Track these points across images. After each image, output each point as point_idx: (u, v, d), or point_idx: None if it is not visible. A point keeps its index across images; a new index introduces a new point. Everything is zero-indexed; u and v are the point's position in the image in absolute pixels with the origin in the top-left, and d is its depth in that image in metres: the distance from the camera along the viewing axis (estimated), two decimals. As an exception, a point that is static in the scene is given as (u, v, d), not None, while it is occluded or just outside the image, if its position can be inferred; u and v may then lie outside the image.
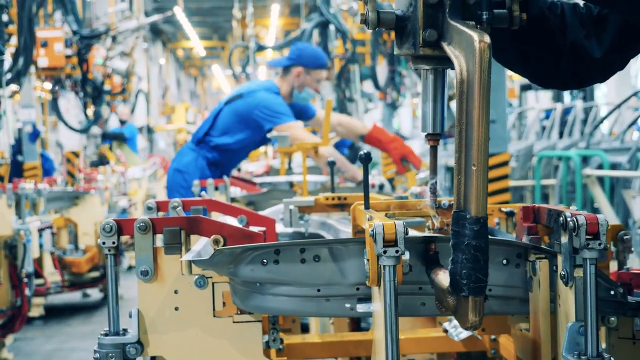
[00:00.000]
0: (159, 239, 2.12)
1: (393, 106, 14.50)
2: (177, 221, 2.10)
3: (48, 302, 8.35)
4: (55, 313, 8.33)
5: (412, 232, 2.28)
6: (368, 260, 1.75)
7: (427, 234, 2.29)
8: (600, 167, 9.07)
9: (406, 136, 20.34)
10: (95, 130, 14.91)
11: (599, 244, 1.69)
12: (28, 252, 6.13)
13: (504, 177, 8.73)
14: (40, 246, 7.24)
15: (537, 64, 2.11)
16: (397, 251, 1.67)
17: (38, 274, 7.37)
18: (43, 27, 10.61)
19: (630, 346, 2.14)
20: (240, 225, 2.77)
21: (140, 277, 2.08)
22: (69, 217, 8.24)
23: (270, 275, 1.92)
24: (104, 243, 2.06)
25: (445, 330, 2.61)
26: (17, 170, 12.15)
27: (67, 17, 11.32)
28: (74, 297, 8.98)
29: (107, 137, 15.82)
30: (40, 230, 7.00)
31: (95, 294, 9.03)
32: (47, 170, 13.87)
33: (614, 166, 9.11)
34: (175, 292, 2.09)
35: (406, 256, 1.81)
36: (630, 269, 2.25)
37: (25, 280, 6.20)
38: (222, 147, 5.94)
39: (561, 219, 1.77)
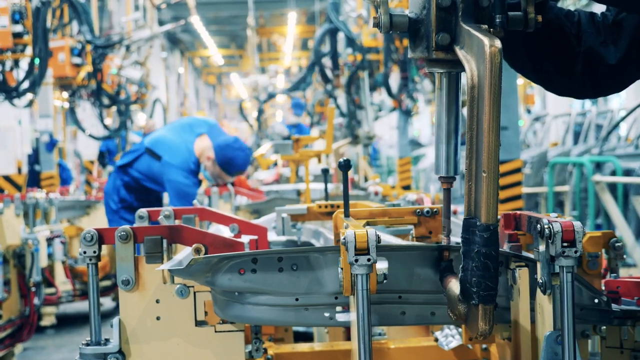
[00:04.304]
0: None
1: (408, 113, 14.46)
2: (158, 230, 2.09)
3: (60, 311, 8.36)
4: (67, 322, 8.33)
5: (396, 240, 2.26)
6: (342, 269, 1.74)
7: (410, 242, 2.27)
8: (614, 173, 8.95)
9: (423, 143, 20.35)
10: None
11: (575, 252, 1.66)
12: (36, 261, 6.14)
13: (517, 184, 8.66)
14: (51, 255, 7.26)
15: (550, 70, 2.08)
16: (368, 259, 1.65)
17: (49, 283, 7.40)
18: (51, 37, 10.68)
19: (618, 355, 2.11)
20: (231, 234, 2.76)
21: (122, 287, 2.07)
22: (80, 226, 8.26)
23: (248, 285, 1.90)
24: (84, 252, 2.06)
25: (436, 339, 2.58)
26: (34, 180, 12.23)
27: (81, 27, 11.39)
28: (86, 306, 8.95)
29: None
30: (50, 240, 7.02)
31: (107, 302, 9.02)
32: (65, 179, 13.95)
33: (628, 172, 8.99)
34: (157, 301, 2.08)
35: (383, 265, 1.79)
36: (619, 277, 2.23)
37: (34, 289, 6.20)
38: (139, 182, 5.90)
39: (538, 226, 1.74)
